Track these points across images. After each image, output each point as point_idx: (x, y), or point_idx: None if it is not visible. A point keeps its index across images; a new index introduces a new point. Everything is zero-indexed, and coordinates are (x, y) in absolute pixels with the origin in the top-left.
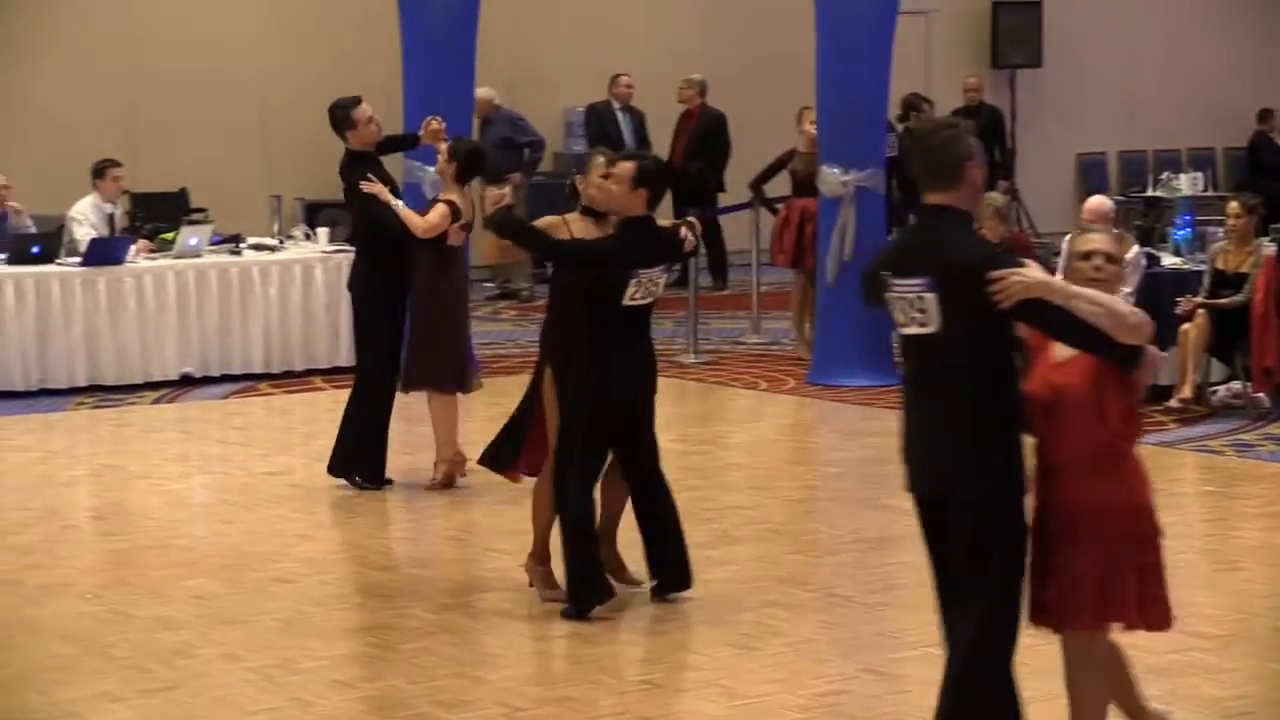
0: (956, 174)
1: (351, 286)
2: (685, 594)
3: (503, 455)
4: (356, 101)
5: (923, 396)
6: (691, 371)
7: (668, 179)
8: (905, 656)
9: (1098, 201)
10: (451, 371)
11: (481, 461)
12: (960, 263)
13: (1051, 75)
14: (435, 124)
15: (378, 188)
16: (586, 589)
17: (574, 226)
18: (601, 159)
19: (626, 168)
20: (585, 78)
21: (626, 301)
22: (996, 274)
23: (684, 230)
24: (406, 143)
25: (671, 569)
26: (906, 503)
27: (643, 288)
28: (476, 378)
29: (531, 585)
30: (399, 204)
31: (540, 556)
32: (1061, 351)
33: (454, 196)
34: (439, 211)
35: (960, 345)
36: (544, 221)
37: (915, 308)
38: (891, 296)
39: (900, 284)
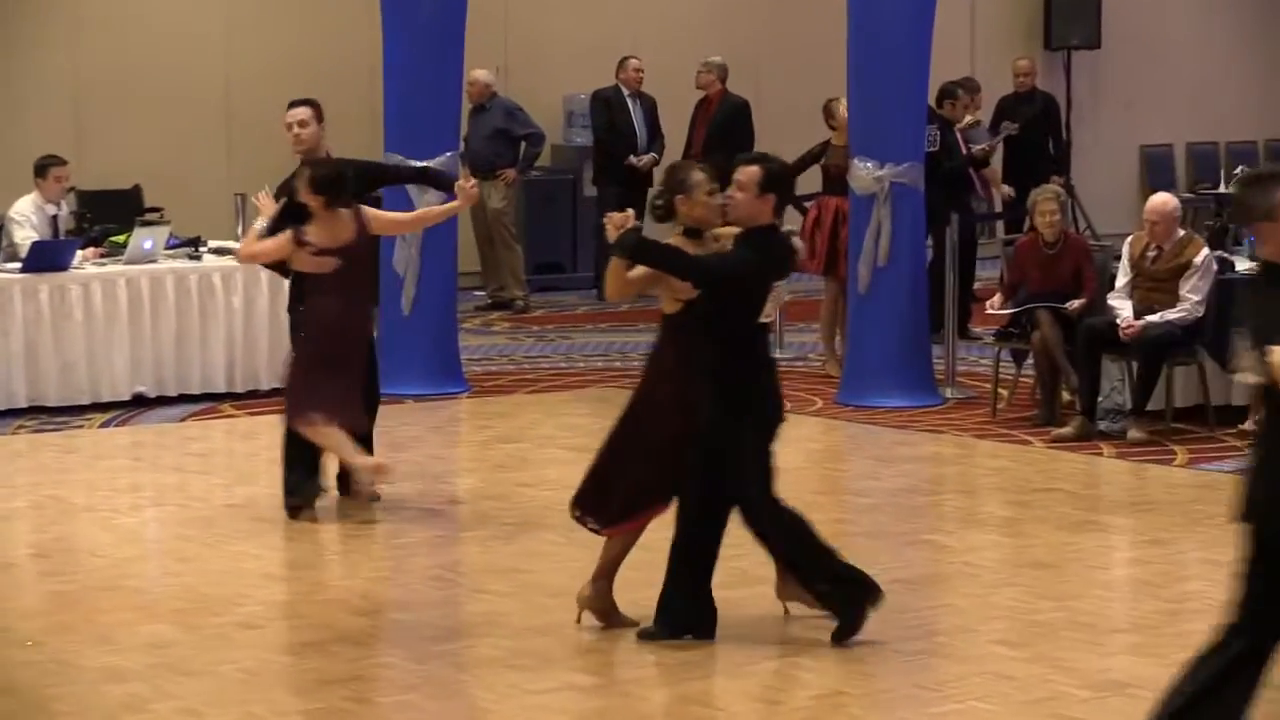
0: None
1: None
2: (703, 642)
3: (599, 514)
4: (290, 105)
5: None
6: None
7: (794, 182)
8: (947, 711)
9: (1162, 200)
10: (321, 404)
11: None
12: None
13: (1112, 58)
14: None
15: (263, 203)
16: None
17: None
18: (703, 175)
19: (752, 172)
20: (589, 61)
21: (764, 318)
22: None
23: (795, 240)
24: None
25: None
26: (949, 539)
27: (772, 303)
28: (363, 418)
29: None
30: (257, 225)
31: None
32: None
33: (313, 225)
34: (273, 241)
35: None
36: None
37: None
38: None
39: None
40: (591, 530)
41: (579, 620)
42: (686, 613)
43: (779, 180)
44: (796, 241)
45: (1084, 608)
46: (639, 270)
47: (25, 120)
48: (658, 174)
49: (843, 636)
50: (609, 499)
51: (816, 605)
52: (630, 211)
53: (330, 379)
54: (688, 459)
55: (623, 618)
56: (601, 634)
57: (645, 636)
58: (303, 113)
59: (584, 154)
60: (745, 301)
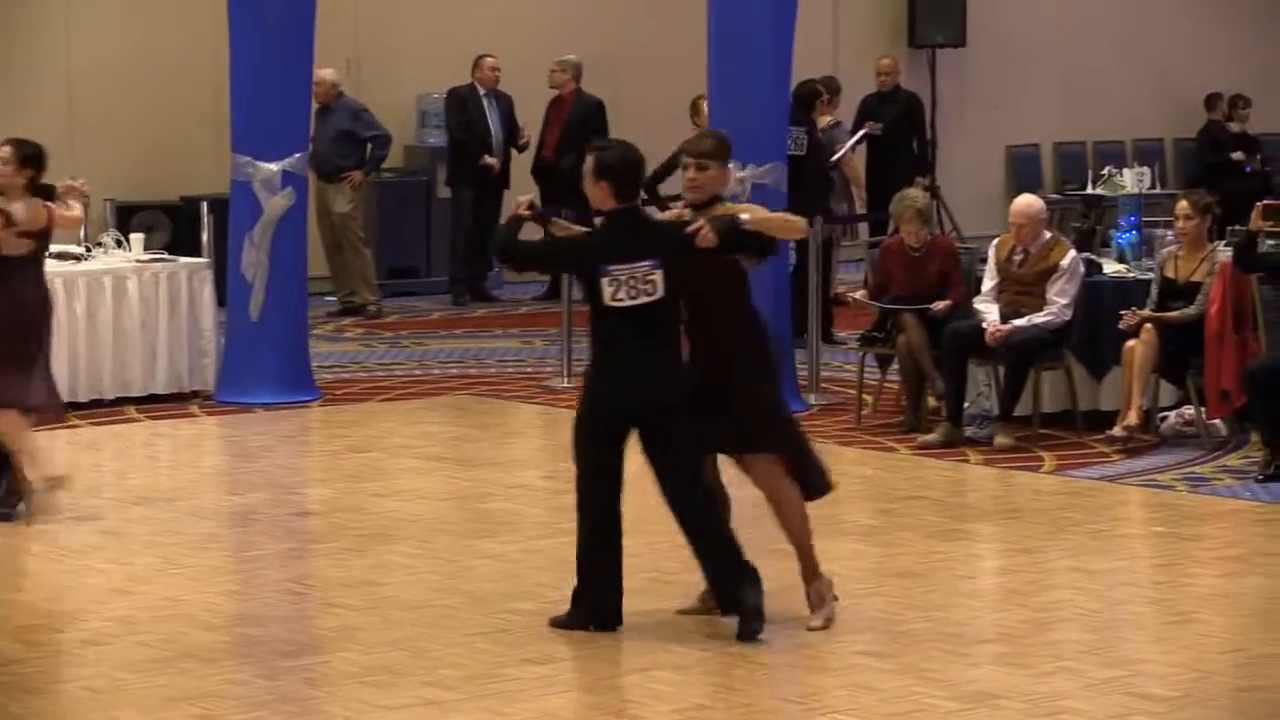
0: None
1: None
2: (560, 656)
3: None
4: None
5: None
6: (564, 397)
7: (636, 168)
8: None
9: (1027, 201)
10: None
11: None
12: None
13: (977, 56)
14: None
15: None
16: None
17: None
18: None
19: (589, 161)
20: (443, 60)
21: (610, 302)
22: None
23: (698, 222)
24: None
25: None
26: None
27: (623, 286)
28: (53, 409)
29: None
30: None
31: (810, 572)
32: None
33: (15, 203)
34: None
35: None
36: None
37: None
38: None
39: None
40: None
41: None
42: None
43: (609, 168)
44: (695, 225)
45: (951, 618)
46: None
47: None
48: (515, 172)
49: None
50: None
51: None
52: (531, 197)
53: (26, 369)
54: None
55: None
56: (453, 648)
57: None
58: (4, 152)
59: (438, 155)
60: (583, 283)
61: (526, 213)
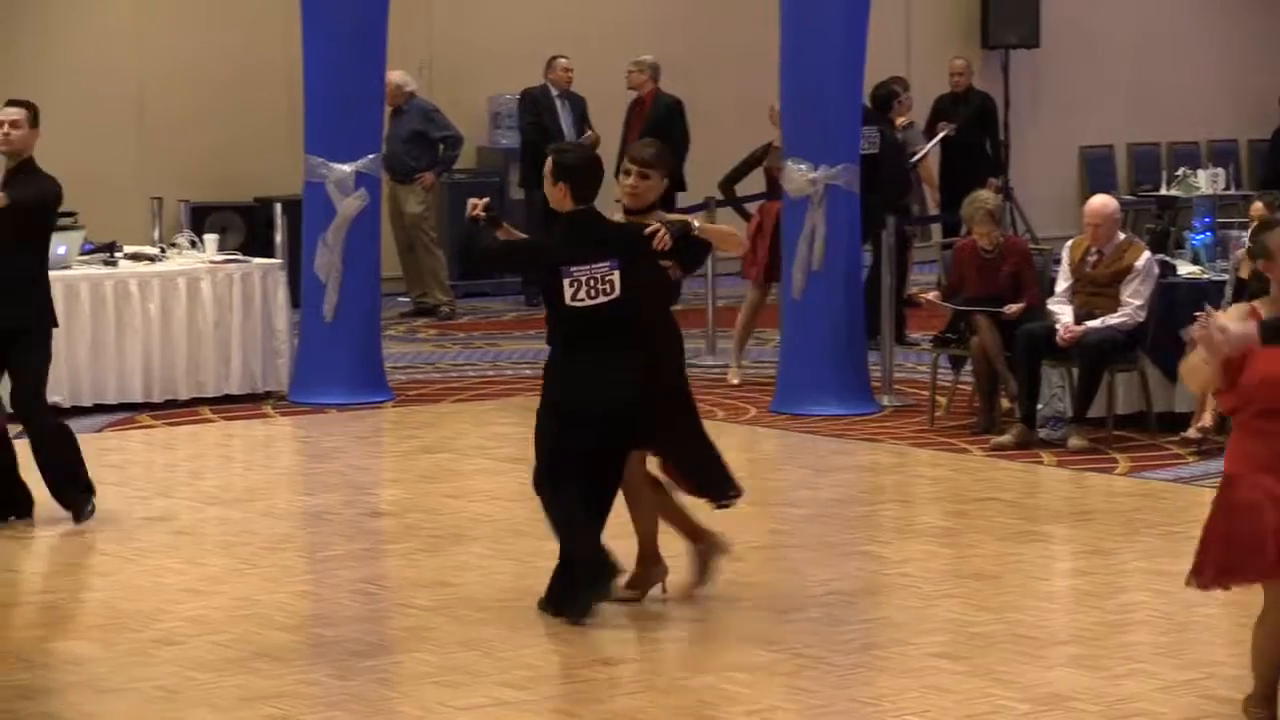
0: None
1: None
2: (633, 657)
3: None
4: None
5: None
6: None
7: (594, 170)
8: None
9: (1102, 201)
10: None
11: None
12: None
13: (1051, 57)
14: None
15: None
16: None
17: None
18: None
19: (548, 163)
20: (516, 61)
21: (570, 302)
22: None
23: (654, 225)
24: None
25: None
26: (886, 550)
27: (583, 287)
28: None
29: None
30: None
31: (651, 558)
32: None
33: None
34: None
35: None
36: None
37: None
38: None
39: None
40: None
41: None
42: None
43: (568, 170)
44: (652, 227)
45: (1024, 619)
46: None
47: None
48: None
49: (549, 607)
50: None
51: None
52: (485, 199)
53: None
54: None
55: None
56: (526, 648)
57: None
58: (15, 113)
59: (511, 155)
60: (542, 282)
61: (481, 214)
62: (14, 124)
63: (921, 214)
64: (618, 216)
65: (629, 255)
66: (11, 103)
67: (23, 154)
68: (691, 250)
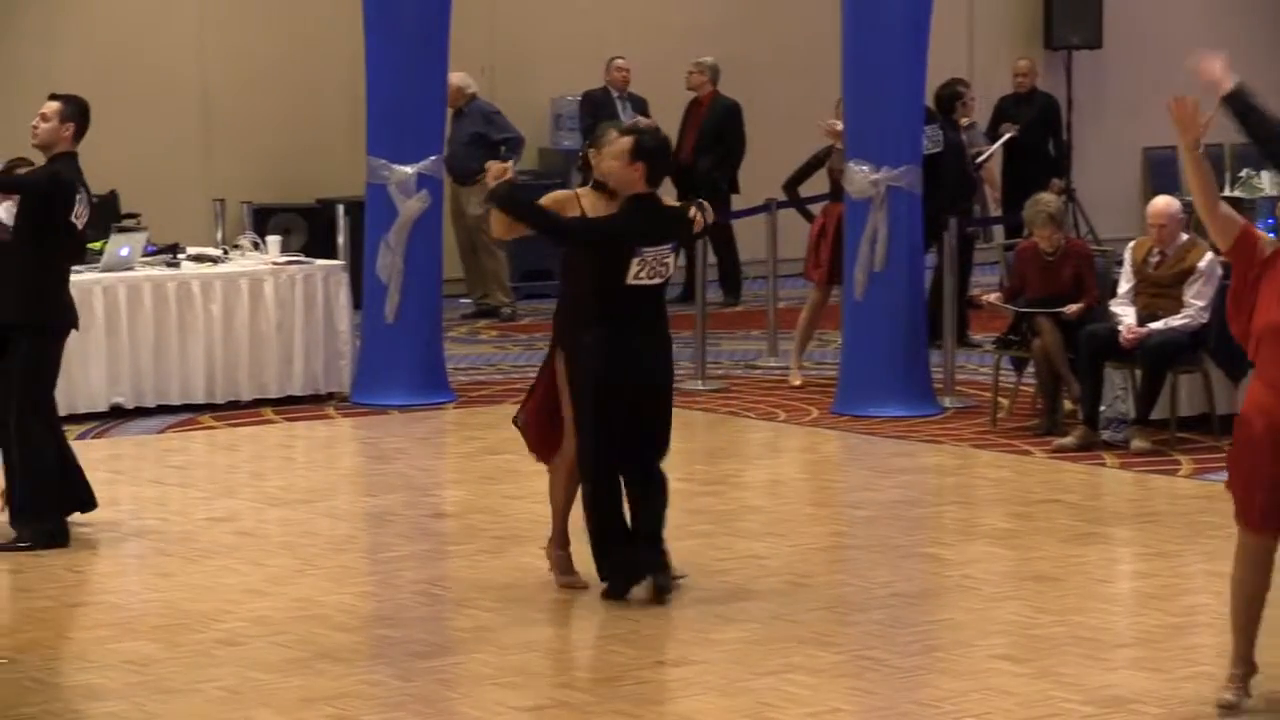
0: None
1: None
2: (695, 658)
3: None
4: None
5: None
6: (699, 399)
7: (671, 155)
8: None
9: (1165, 203)
10: None
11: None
12: None
13: (1114, 58)
14: None
15: None
16: (619, 576)
17: (585, 201)
18: (614, 133)
19: (623, 142)
20: (576, 63)
21: (631, 281)
22: None
23: (694, 210)
24: None
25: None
26: (948, 552)
27: (648, 267)
28: None
29: (550, 570)
30: None
31: (560, 540)
32: None
33: None
34: None
35: None
36: (556, 196)
37: None
38: None
39: None
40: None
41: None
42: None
43: (648, 152)
44: (693, 211)
45: (1086, 621)
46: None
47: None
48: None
49: (609, 597)
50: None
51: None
52: (510, 164)
53: None
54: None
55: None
56: (587, 650)
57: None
58: (49, 106)
59: (572, 157)
60: (603, 261)
61: (515, 178)
62: (44, 116)
63: (983, 215)
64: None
65: (684, 238)
66: (54, 96)
67: (53, 147)
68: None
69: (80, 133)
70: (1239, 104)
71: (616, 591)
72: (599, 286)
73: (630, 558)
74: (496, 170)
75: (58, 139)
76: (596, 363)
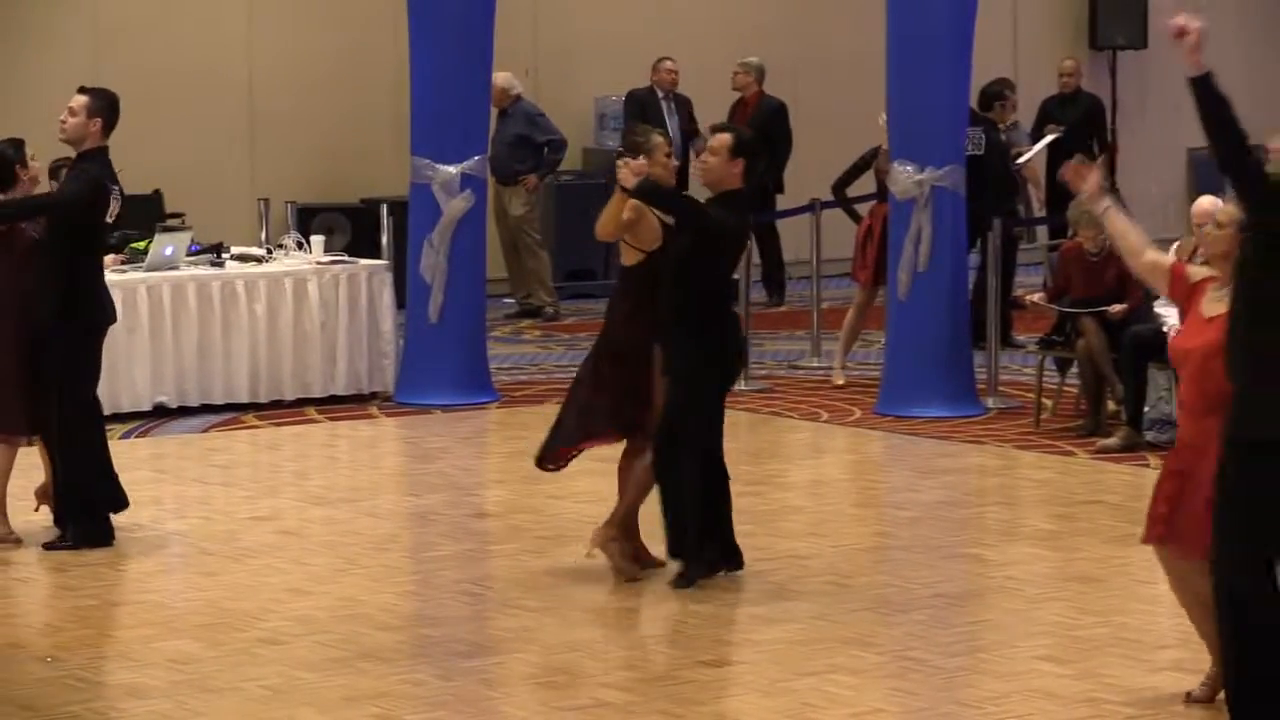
0: None
1: None
2: (737, 658)
3: (550, 448)
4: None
5: None
6: (742, 399)
7: (765, 150)
8: None
9: (1210, 203)
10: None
11: (539, 465)
12: None
13: (1159, 58)
14: None
15: None
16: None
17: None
18: (661, 138)
19: (723, 138)
20: (621, 63)
21: (733, 276)
22: None
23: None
24: None
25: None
26: (991, 553)
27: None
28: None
29: (612, 560)
30: None
31: (630, 532)
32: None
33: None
34: None
35: None
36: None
37: None
38: None
39: None
40: (549, 470)
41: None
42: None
43: (748, 146)
44: None
45: (1129, 623)
46: (628, 214)
47: (48, 124)
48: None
49: (681, 584)
50: (555, 433)
51: (621, 563)
52: (644, 160)
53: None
54: (664, 403)
55: (653, 558)
56: (630, 650)
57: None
58: (76, 100)
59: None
60: (723, 255)
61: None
62: (71, 111)
63: (1027, 215)
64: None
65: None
66: (82, 90)
67: (81, 143)
68: None
69: (108, 127)
70: (1206, 89)
71: (694, 580)
72: (720, 281)
73: (710, 550)
74: (636, 167)
75: (85, 134)
76: (729, 358)
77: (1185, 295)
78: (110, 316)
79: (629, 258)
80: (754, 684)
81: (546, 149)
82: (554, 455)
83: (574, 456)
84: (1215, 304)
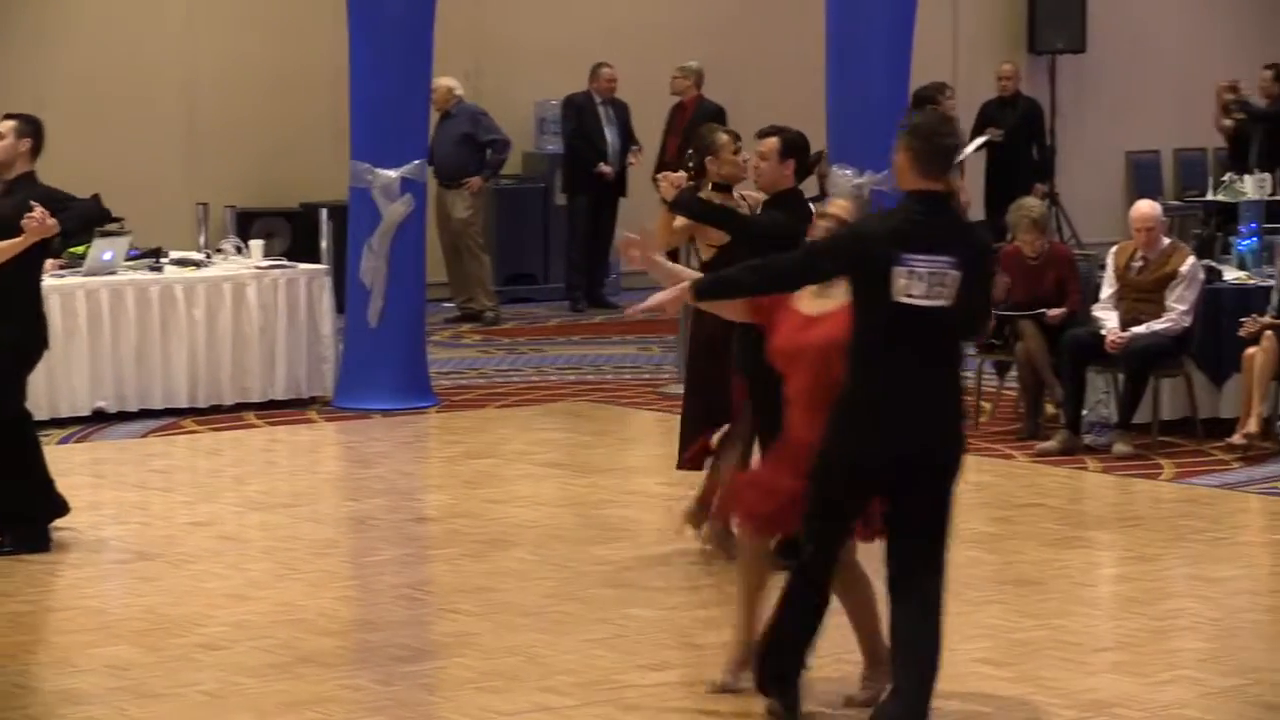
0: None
1: None
2: (679, 662)
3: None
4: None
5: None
6: (679, 403)
7: (809, 148)
8: None
9: (1147, 207)
10: None
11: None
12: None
13: (1097, 62)
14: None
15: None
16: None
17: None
18: (726, 136)
19: (771, 143)
20: (562, 68)
21: None
22: None
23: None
24: None
25: None
26: None
27: None
28: None
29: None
30: None
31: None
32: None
33: None
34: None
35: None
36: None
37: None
38: (901, 270)
39: (919, 260)
40: (688, 470)
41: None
42: None
43: (797, 146)
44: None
45: (1068, 625)
46: (680, 222)
47: None
48: (632, 179)
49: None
50: (680, 436)
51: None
52: (683, 173)
53: None
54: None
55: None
56: (570, 654)
57: None
58: (5, 124)
59: (556, 161)
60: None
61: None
62: (0, 135)
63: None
64: None
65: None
66: (8, 116)
67: (11, 166)
68: None
69: (36, 151)
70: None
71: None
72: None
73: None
74: (675, 179)
75: (15, 155)
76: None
77: (769, 307)
78: (42, 343)
79: (705, 253)
80: (696, 688)
81: (490, 150)
82: (684, 458)
83: (705, 451)
84: (815, 302)
